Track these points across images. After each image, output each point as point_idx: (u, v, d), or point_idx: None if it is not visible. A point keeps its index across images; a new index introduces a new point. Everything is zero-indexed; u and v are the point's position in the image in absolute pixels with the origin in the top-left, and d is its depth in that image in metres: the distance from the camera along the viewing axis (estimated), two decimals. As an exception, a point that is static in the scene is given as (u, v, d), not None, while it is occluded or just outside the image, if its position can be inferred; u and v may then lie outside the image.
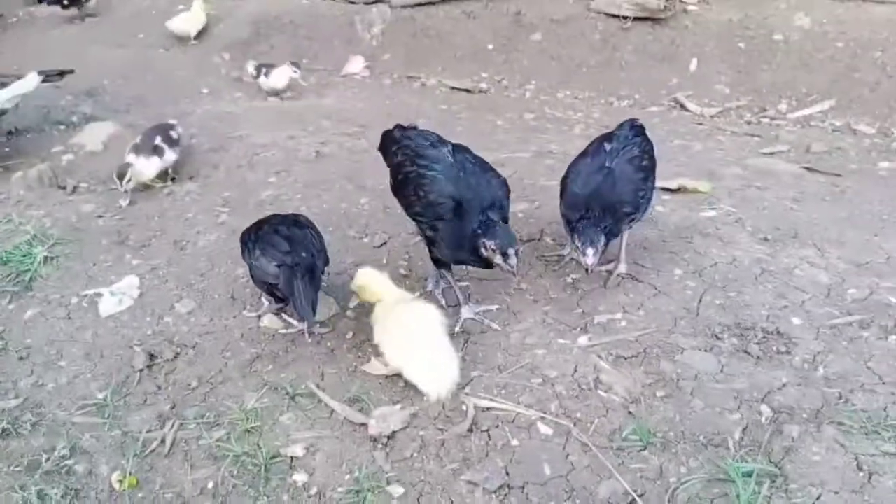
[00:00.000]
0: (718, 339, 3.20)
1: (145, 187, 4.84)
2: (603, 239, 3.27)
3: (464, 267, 3.73)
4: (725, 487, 2.47)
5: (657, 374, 3.01)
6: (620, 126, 3.74)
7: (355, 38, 8.37)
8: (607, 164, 3.47)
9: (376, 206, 4.51)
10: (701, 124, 6.43)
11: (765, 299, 3.46)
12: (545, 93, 7.40)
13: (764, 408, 2.79)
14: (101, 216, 4.55)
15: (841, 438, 2.61)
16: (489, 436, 2.75)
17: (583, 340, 3.24)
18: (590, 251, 3.24)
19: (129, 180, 4.62)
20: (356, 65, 8.09)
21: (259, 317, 3.51)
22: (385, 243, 4.12)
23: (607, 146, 3.57)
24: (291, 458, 2.72)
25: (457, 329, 3.30)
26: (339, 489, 2.59)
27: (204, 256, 4.05)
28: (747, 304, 3.43)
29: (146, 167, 4.75)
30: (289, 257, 3.18)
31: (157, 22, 8.94)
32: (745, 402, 2.83)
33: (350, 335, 3.37)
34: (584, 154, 3.66)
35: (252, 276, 3.40)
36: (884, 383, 2.88)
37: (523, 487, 2.53)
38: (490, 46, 7.92)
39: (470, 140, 3.56)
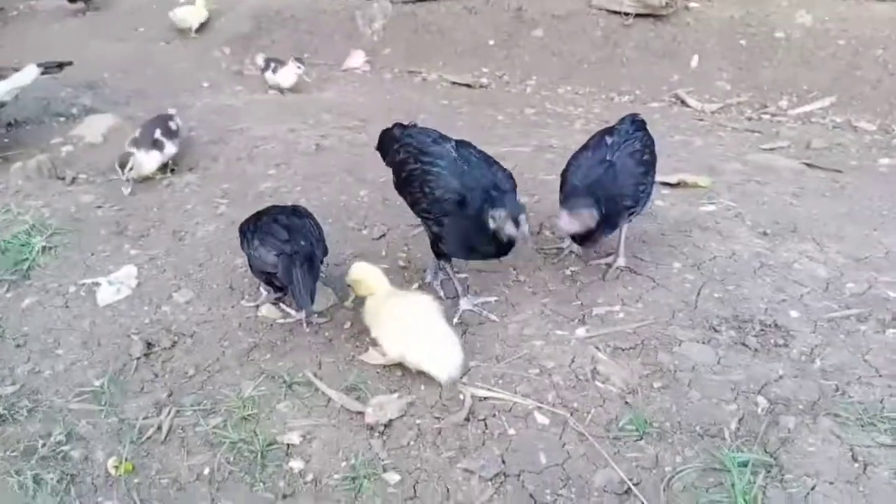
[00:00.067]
0: (716, 331, 3.20)
1: (145, 179, 4.84)
2: (594, 212, 3.22)
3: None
4: (721, 477, 2.47)
5: (654, 365, 3.01)
6: (622, 121, 3.74)
7: (356, 33, 8.38)
8: (608, 158, 3.46)
9: (375, 199, 4.51)
10: (701, 120, 6.43)
11: (763, 293, 3.46)
12: (546, 88, 7.40)
13: (760, 399, 2.78)
14: (99, 207, 4.55)
15: (837, 430, 2.61)
16: (486, 425, 2.75)
17: (581, 332, 3.23)
18: (565, 215, 3.22)
19: (132, 168, 4.63)
20: (357, 59, 8.09)
21: (257, 306, 3.51)
22: (384, 235, 4.12)
23: (608, 140, 3.56)
24: (288, 445, 2.72)
25: (455, 320, 3.30)
26: (336, 476, 2.59)
27: (202, 247, 4.05)
28: (746, 297, 3.43)
29: (146, 161, 4.76)
30: (288, 246, 3.18)
31: (157, 15, 8.95)
32: (741, 393, 2.83)
33: (348, 325, 3.36)
34: (584, 147, 3.65)
35: (250, 266, 3.40)
36: (880, 376, 2.88)
37: (519, 475, 2.53)
38: (491, 42, 7.92)
39: (470, 135, 3.56)
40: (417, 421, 2.79)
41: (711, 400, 2.81)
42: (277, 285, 3.39)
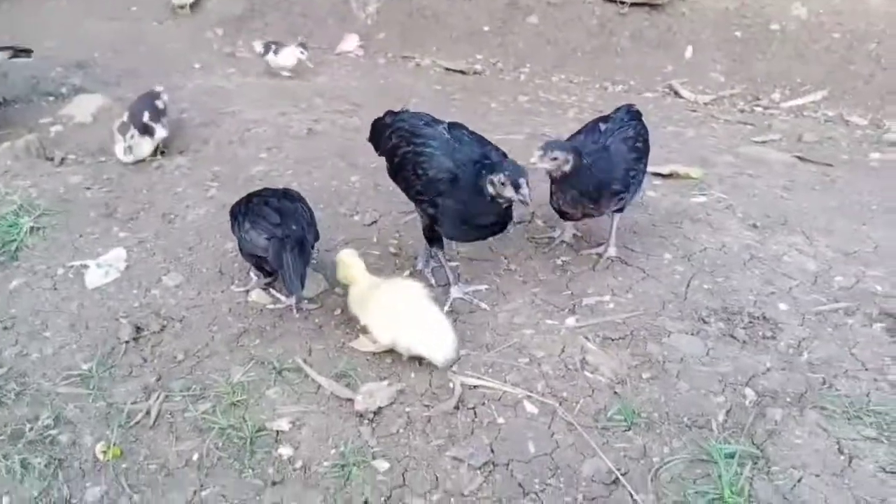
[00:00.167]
0: (705, 322, 3.22)
1: (136, 161, 4.80)
2: (570, 156, 3.23)
3: (454, 247, 3.73)
4: (708, 468, 2.49)
5: (643, 355, 3.02)
6: (617, 110, 3.74)
7: (350, 17, 8.30)
8: (601, 142, 3.47)
9: (367, 184, 4.49)
10: (694, 111, 6.43)
11: (752, 285, 3.48)
12: (540, 76, 7.37)
13: (748, 391, 2.81)
14: (88, 188, 4.50)
15: (823, 423, 2.63)
16: (475, 413, 2.76)
17: (570, 321, 3.24)
18: (537, 152, 3.24)
19: (132, 137, 4.66)
20: (350, 43, 8.02)
21: (247, 291, 3.49)
22: (375, 221, 4.10)
23: (602, 126, 3.57)
24: (277, 431, 2.72)
25: (446, 308, 3.30)
26: (325, 463, 2.59)
27: (192, 230, 4.02)
28: (735, 289, 3.45)
29: (137, 147, 4.73)
30: (279, 229, 3.16)
31: (149, -5, 8.84)
32: (729, 385, 2.85)
33: (338, 312, 3.36)
34: (578, 132, 3.66)
35: (241, 249, 3.38)
36: (867, 370, 2.91)
37: (508, 464, 2.54)
38: (486, 28, 7.88)
39: (463, 121, 3.53)
40: (407, 409, 2.79)
41: (699, 391, 2.83)
42: (267, 270, 3.38)
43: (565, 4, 7.74)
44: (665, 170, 4.66)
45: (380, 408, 2.78)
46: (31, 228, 3.98)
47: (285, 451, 2.64)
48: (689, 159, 4.94)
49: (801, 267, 3.64)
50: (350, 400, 2.82)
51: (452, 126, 3.35)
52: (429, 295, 3.05)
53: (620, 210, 3.69)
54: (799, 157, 5.24)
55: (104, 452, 2.65)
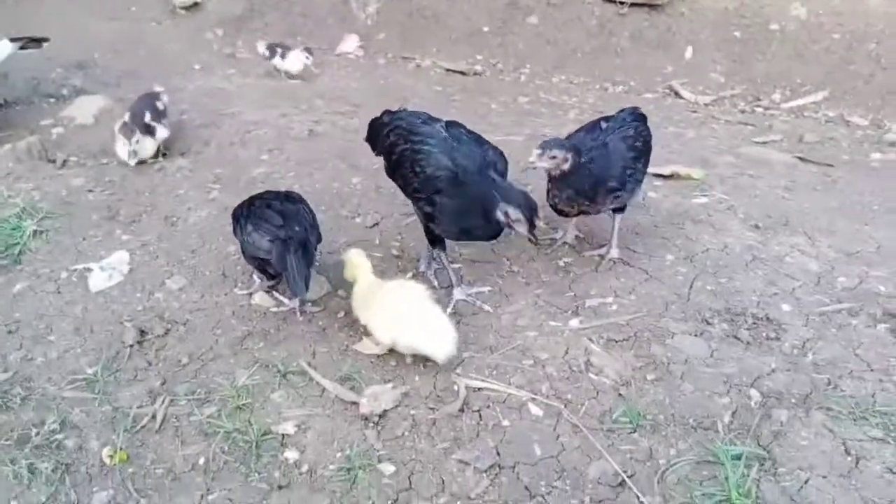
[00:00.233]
0: (709, 324, 3.23)
1: (138, 163, 4.79)
2: (568, 154, 3.27)
3: (456, 248, 3.74)
4: (714, 470, 2.50)
5: (648, 357, 3.03)
6: (621, 111, 3.75)
7: (350, 17, 8.30)
8: (601, 140, 3.49)
9: (369, 186, 4.49)
10: (695, 112, 6.44)
11: (755, 286, 3.48)
12: (540, 77, 7.38)
13: (753, 392, 2.81)
14: (91, 190, 4.49)
15: (829, 423, 2.64)
16: (480, 416, 2.76)
17: (574, 323, 3.25)
18: (536, 151, 3.28)
19: (137, 142, 4.68)
20: (350, 44, 8.02)
21: (250, 294, 3.49)
22: (377, 224, 4.11)
23: (603, 125, 3.59)
24: (283, 435, 2.72)
25: (449, 310, 3.30)
26: (331, 467, 2.59)
27: (195, 233, 4.02)
28: (738, 290, 3.45)
29: (141, 149, 4.74)
30: (282, 231, 3.15)
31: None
32: (734, 386, 2.85)
33: (342, 314, 3.36)
34: (579, 130, 3.68)
35: (243, 252, 3.38)
36: (872, 370, 2.92)
37: (514, 467, 2.55)
38: (486, 29, 7.88)
39: (464, 122, 3.54)
40: (412, 411, 2.79)
41: (704, 392, 2.83)
42: (270, 272, 3.37)
43: (565, 5, 7.75)
44: (666, 171, 4.66)
45: (385, 411, 2.78)
46: (34, 232, 3.98)
47: (291, 454, 2.64)
48: (690, 160, 4.95)
49: (803, 267, 3.64)
50: (355, 403, 2.82)
51: (450, 124, 3.36)
52: (430, 296, 3.05)
53: (621, 211, 3.70)
54: (800, 158, 5.25)
55: (111, 457, 2.64)
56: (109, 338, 3.25)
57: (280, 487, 2.52)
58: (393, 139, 3.41)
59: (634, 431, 2.67)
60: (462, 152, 3.20)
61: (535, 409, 2.79)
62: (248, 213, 3.34)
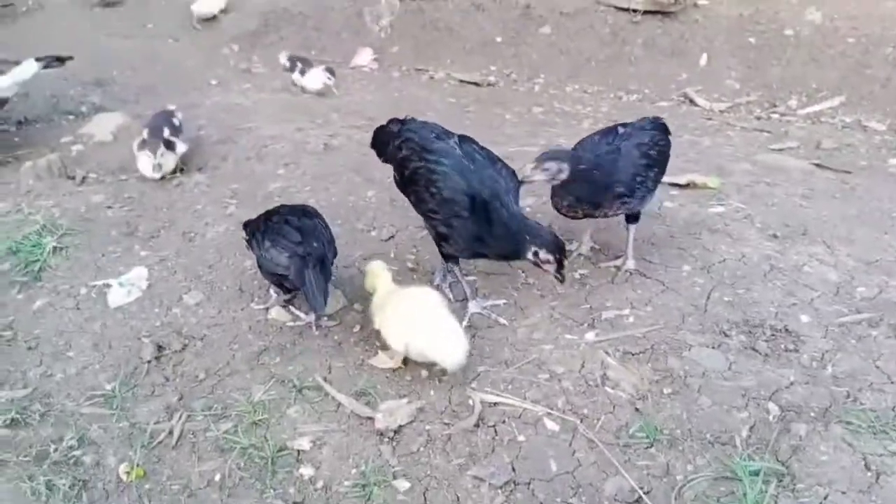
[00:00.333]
0: (726, 336, 3.20)
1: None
2: (563, 165, 3.30)
3: (471, 261, 3.73)
4: (732, 486, 2.47)
5: (664, 370, 3.00)
6: (642, 119, 3.74)
7: (364, 30, 8.36)
8: (615, 143, 3.49)
9: (384, 199, 4.51)
10: (710, 119, 6.40)
11: (773, 296, 3.45)
12: (554, 86, 7.39)
13: (772, 406, 2.78)
14: (110, 207, 4.55)
15: (849, 438, 2.60)
16: (496, 431, 2.75)
17: (590, 336, 3.23)
18: (530, 165, 3.33)
19: (162, 155, 4.74)
20: (364, 57, 8.08)
21: (267, 309, 3.51)
22: (392, 237, 4.12)
23: (620, 130, 3.59)
24: (298, 451, 2.73)
25: (464, 324, 3.30)
26: (346, 483, 2.60)
27: (212, 248, 4.05)
28: (756, 301, 3.42)
29: (165, 163, 4.80)
30: (300, 247, 3.17)
31: (166, 12, 8.96)
32: (752, 399, 2.82)
33: (357, 329, 3.37)
34: (595, 133, 3.69)
35: (260, 268, 3.40)
36: (892, 382, 2.87)
37: (529, 483, 2.54)
38: (499, 39, 7.90)
39: (478, 133, 3.56)
40: (427, 427, 2.79)
41: (722, 407, 2.80)
42: (287, 287, 3.39)
43: (578, 14, 7.76)
44: (682, 180, 4.63)
45: (400, 426, 2.78)
46: (54, 248, 4.03)
47: (306, 470, 2.65)
48: (706, 168, 4.92)
49: (822, 277, 3.60)
50: (370, 418, 2.82)
51: (463, 140, 3.36)
52: (443, 302, 3.06)
53: (635, 220, 3.68)
54: (817, 165, 5.19)
55: (127, 473, 2.67)
56: (127, 353, 3.28)
57: (295, 504, 2.53)
58: (406, 153, 3.38)
59: (651, 447, 2.65)
60: (478, 176, 3.20)
61: (550, 424, 2.78)
62: (265, 228, 3.36)
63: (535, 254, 3.10)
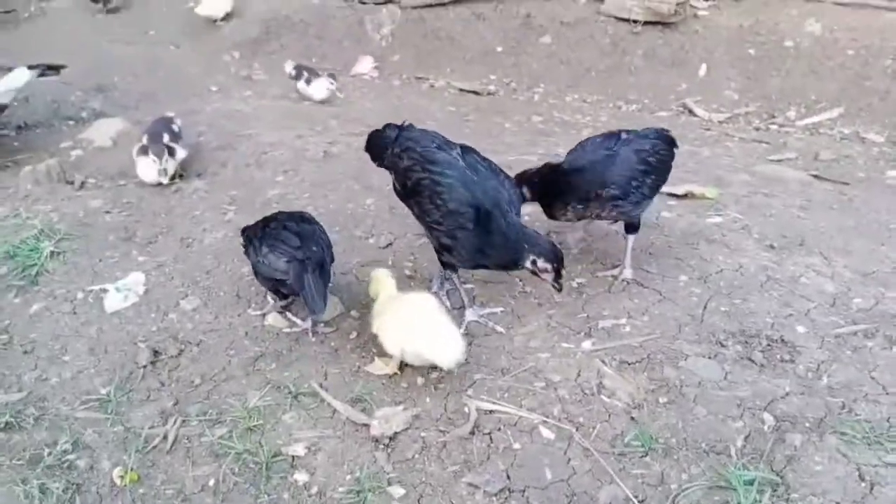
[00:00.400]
0: (723, 346, 3.20)
1: (158, 184, 4.86)
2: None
3: (470, 270, 3.74)
4: (726, 495, 2.47)
5: (660, 380, 3.00)
6: (647, 128, 3.77)
7: (365, 39, 8.40)
8: (613, 147, 3.52)
9: (382, 207, 4.52)
10: (709, 130, 6.42)
11: (770, 307, 3.45)
12: (553, 96, 7.41)
13: (767, 416, 2.78)
14: (108, 212, 4.56)
15: (843, 448, 2.60)
16: (491, 438, 2.75)
17: (587, 345, 3.23)
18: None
19: (167, 160, 4.76)
20: (365, 65, 8.11)
21: (263, 315, 3.51)
22: (391, 244, 4.12)
23: (623, 135, 3.61)
24: (293, 457, 2.72)
25: (461, 331, 3.29)
26: (340, 489, 2.59)
27: (210, 254, 4.05)
28: (752, 311, 3.42)
29: (168, 167, 4.82)
30: (299, 252, 3.18)
31: (167, 19, 9.00)
32: (747, 409, 2.82)
33: (354, 335, 3.37)
34: (598, 135, 3.73)
35: (257, 273, 3.40)
36: (887, 393, 2.87)
37: (524, 491, 2.53)
38: (499, 48, 7.93)
39: (478, 142, 3.57)
40: (422, 434, 2.79)
41: (717, 416, 2.80)
42: (284, 293, 3.39)
43: (578, 24, 7.79)
44: (680, 190, 4.64)
45: (395, 433, 2.78)
46: (52, 253, 4.03)
47: (301, 476, 2.65)
48: (704, 179, 4.93)
49: (819, 288, 3.61)
50: (366, 425, 2.82)
51: (465, 150, 3.36)
52: (439, 306, 3.07)
53: (634, 230, 3.69)
54: (815, 176, 5.21)
55: (122, 477, 2.67)
56: (123, 358, 3.28)
57: (289, 510, 2.53)
58: (408, 163, 3.36)
59: (646, 455, 2.65)
60: (481, 187, 3.20)
61: (546, 432, 2.77)
62: (262, 234, 3.36)
63: (534, 262, 3.12)
